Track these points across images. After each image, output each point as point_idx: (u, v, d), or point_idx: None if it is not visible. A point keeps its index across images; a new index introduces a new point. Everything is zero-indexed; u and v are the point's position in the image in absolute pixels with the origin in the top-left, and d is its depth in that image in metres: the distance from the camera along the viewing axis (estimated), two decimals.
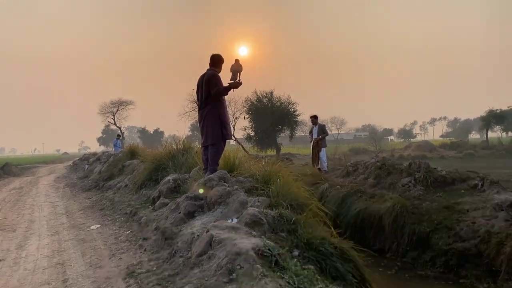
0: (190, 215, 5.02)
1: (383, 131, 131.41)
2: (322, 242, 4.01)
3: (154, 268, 3.97)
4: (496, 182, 7.42)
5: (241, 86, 5.65)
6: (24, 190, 14.43)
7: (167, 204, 6.01)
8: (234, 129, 41.26)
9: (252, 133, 35.77)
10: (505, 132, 63.94)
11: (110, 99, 54.25)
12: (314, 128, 12.13)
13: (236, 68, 5.57)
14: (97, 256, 4.84)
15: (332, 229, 4.74)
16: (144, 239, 5.05)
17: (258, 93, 35.25)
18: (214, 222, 4.22)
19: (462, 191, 7.65)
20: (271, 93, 35.60)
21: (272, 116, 34.09)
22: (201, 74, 5.82)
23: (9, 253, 5.39)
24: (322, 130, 12.08)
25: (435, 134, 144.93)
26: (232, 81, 5.63)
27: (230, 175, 5.98)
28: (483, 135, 51.09)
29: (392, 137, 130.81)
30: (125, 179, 9.45)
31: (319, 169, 11.64)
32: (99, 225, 6.68)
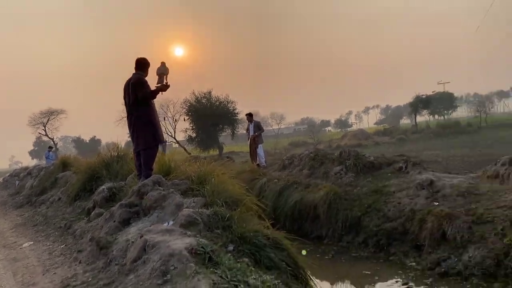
0: (125, 222, 4.99)
1: (321, 123, 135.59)
2: (255, 235, 4.16)
3: (90, 279, 3.93)
4: (418, 164, 8.00)
5: (169, 88, 5.67)
6: None
7: (102, 214, 5.91)
8: (174, 132, 40.90)
9: (194, 134, 35.50)
10: (431, 116, 68.43)
11: (39, 110, 51.37)
12: (250, 125, 12.31)
13: (162, 71, 5.59)
14: (30, 274, 4.69)
15: (267, 221, 4.91)
16: (79, 251, 4.94)
17: (196, 94, 35.03)
18: (150, 226, 4.24)
19: (389, 174, 8.17)
20: (209, 93, 35.48)
21: (212, 116, 34.01)
22: (127, 79, 5.76)
23: None
24: (258, 127, 12.26)
25: (369, 122, 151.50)
26: (159, 84, 5.63)
27: (166, 179, 5.98)
28: (413, 120, 54.29)
29: (330, 128, 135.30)
30: (58, 192, 9.10)
31: (257, 165, 11.86)
32: (32, 242, 6.43)
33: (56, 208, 8.36)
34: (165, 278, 3.12)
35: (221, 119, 34.38)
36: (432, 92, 58.06)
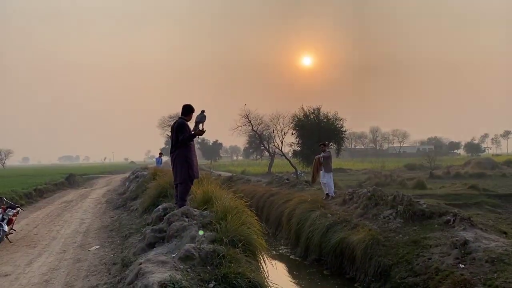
0: (151, 245, 5.97)
1: (450, 144, 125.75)
2: (236, 276, 4.76)
3: None
4: (466, 219, 7.64)
5: (204, 132, 6.61)
6: (71, 204, 16.27)
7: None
8: (282, 144, 42.22)
9: (298, 149, 36.27)
10: None
11: (168, 114, 57.23)
12: (321, 154, 12.50)
13: (199, 119, 6.50)
14: (76, 277, 5.93)
15: (263, 261, 5.45)
16: (114, 264, 6.07)
17: (305, 109, 35.75)
18: (152, 255, 5.12)
19: (436, 225, 7.93)
20: (318, 109, 35.91)
21: (318, 132, 34.40)
22: (174, 121, 6.83)
23: (18, 268, 6.65)
24: (327, 156, 12.41)
25: (509, 147, 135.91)
26: (196, 130, 6.57)
27: (203, 208, 6.88)
28: None
29: (460, 151, 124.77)
30: (138, 202, 10.64)
31: (327, 194, 12.16)
32: (98, 246, 7.85)
33: (132, 217, 9.86)
34: None
35: (327, 136, 34.57)
36: None
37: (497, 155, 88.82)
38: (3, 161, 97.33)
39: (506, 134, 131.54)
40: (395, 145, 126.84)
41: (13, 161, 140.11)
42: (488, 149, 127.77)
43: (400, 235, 7.97)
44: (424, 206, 8.57)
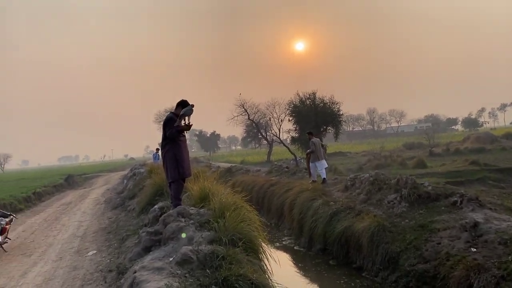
0: (148, 249, 5.69)
1: (447, 121, 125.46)
2: (237, 279, 4.49)
3: None
4: (474, 199, 7.38)
5: (191, 127, 6.30)
6: (69, 206, 16.01)
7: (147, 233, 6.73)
8: (279, 131, 41.91)
9: (296, 135, 35.93)
10: None
11: (164, 108, 56.71)
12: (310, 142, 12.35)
13: (184, 112, 6.15)
14: (70, 286, 5.67)
15: (265, 263, 5.19)
16: (110, 271, 5.80)
17: (300, 95, 35.33)
18: (146, 262, 4.84)
19: (443, 208, 7.66)
20: (314, 94, 35.47)
21: (315, 117, 34.04)
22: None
23: (11, 280, 6.38)
24: (309, 146, 12.25)
25: (506, 120, 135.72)
26: (182, 124, 6.22)
27: (200, 206, 6.59)
28: None
29: (458, 127, 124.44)
30: (135, 202, 10.36)
31: (324, 179, 12.01)
32: (95, 251, 7.58)
33: (128, 218, 9.58)
34: None
35: (325, 121, 34.22)
36: None
37: (493, 128, 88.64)
38: (2, 166, 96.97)
39: (502, 107, 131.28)
40: (392, 125, 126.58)
41: (12, 165, 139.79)
42: (485, 123, 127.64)
43: (407, 220, 7.70)
44: (429, 188, 8.29)
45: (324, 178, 11.93)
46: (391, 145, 53.27)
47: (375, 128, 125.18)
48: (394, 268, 6.90)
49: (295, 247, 9.71)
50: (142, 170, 16.34)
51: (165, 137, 6.30)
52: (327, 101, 34.91)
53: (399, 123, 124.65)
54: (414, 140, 54.42)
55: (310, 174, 12.26)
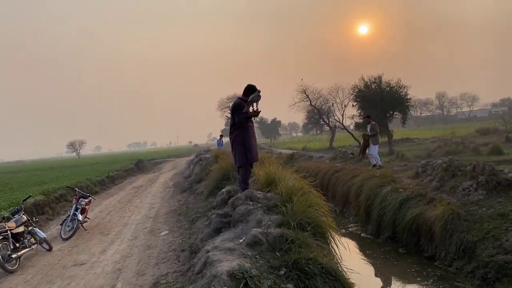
0: (218, 231, 5.85)
1: None
2: (307, 262, 4.49)
3: (172, 280, 4.92)
4: None
5: (260, 113, 6.31)
6: (140, 190, 16.85)
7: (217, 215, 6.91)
8: (343, 117, 41.04)
9: (361, 121, 34.97)
10: None
11: (226, 95, 57.70)
12: (368, 126, 13.37)
13: (252, 99, 6.17)
14: (146, 264, 5.97)
15: (335, 245, 5.13)
16: (183, 250, 6.04)
17: (365, 79, 34.21)
18: (218, 242, 4.97)
19: None
20: (380, 77, 34.18)
21: (381, 102, 32.83)
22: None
23: (92, 257, 6.86)
24: (373, 129, 13.00)
25: None
26: (251, 111, 6.26)
27: (267, 191, 6.65)
28: None
29: None
30: (202, 185, 10.67)
31: (374, 165, 12.52)
32: (168, 232, 7.92)
33: (197, 200, 9.90)
34: None
35: (391, 105, 32.95)
36: None
37: None
38: (78, 151, 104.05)
39: None
40: (464, 109, 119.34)
41: (87, 151, 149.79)
42: None
43: (484, 208, 7.26)
44: (510, 175, 7.74)
45: (376, 164, 12.44)
46: (463, 131, 50.22)
47: (445, 113, 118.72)
48: (470, 258, 6.54)
49: (362, 234, 9.53)
50: (207, 156, 16.76)
51: (233, 123, 6.39)
52: (394, 85, 33.45)
53: (471, 108, 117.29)
54: (489, 126, 50.99)
55: (363, 155, 12.65)
